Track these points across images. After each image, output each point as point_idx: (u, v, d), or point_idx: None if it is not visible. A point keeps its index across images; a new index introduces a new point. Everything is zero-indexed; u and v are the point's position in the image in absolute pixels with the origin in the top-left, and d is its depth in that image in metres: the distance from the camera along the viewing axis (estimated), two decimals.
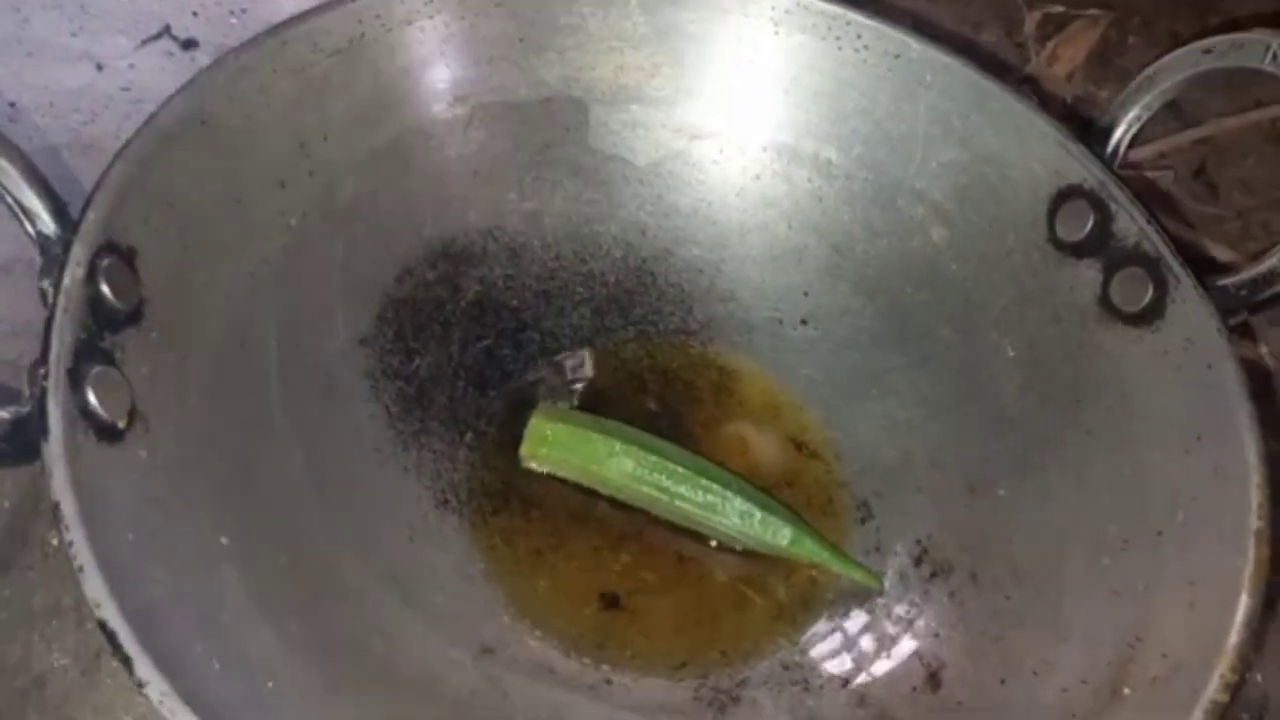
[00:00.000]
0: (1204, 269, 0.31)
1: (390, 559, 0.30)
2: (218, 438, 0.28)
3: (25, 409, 0.22)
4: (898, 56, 0.36)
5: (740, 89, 0.38)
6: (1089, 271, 0.33)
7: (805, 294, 0.38)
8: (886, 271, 0.37)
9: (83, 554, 0.20)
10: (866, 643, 0.30)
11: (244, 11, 0.52)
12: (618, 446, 0.33)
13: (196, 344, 0.28)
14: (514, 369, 0.36)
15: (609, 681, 0.29)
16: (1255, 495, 0.26)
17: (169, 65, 0.48)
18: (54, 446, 0.22)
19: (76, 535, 0.20)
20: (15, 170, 0.24)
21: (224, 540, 0.26)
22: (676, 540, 0.33)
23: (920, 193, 0.36)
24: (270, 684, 0.23)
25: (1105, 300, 0.32)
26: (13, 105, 0.46)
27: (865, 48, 0.36)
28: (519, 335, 0.37)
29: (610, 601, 0.31)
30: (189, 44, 0.50)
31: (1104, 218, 0.32)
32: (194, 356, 0.28)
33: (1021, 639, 0.29)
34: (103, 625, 0.20)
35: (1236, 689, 0.23)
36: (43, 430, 0.22)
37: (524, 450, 0.33)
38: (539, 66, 0.37)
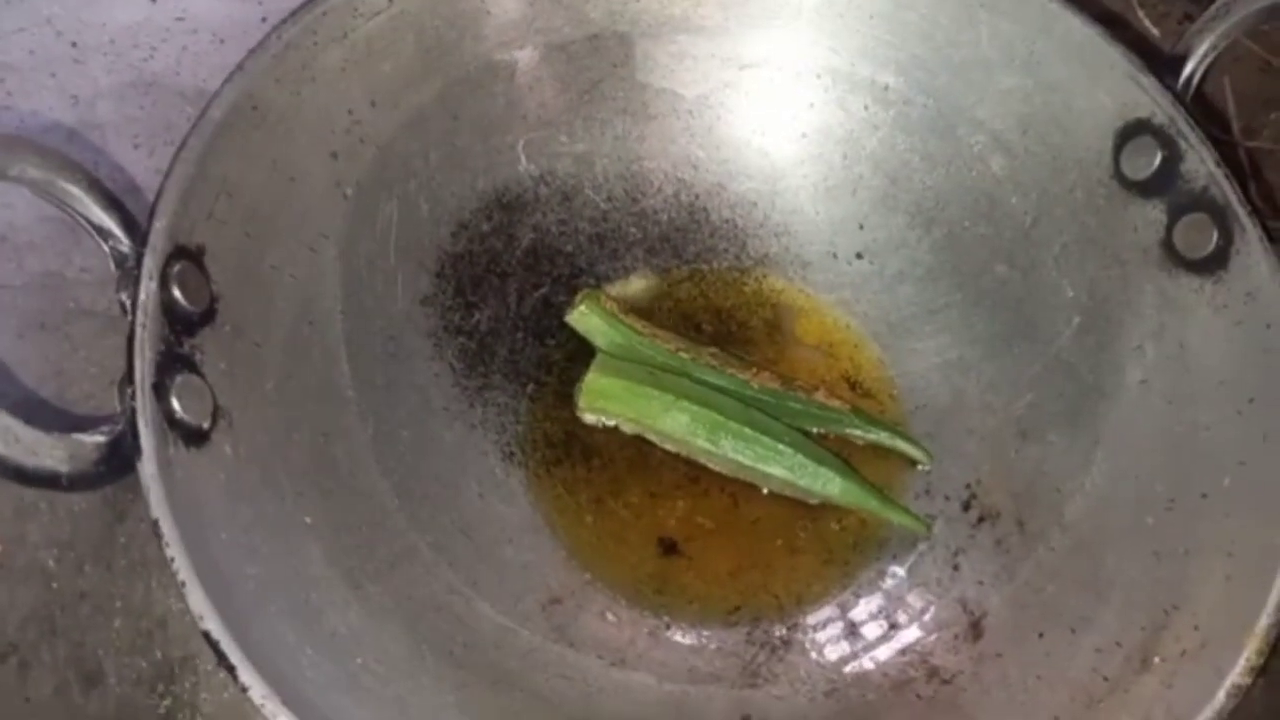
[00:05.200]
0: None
1: (462, 516, 0.32)
2: (295, 419, 0.30)
3: (119, 427, 0.24)
4: None
5: (791, 14, 0.36)
6: (1153, 213, 0.32)
7: (860, 227, 0.38)
8: (944, 203, 0.36)
9: (184, 570, 0.23)
10: (913, 588, 0.32)
11: None
12: (672, 400, 0.34)
13: (267, 330, 0.30)
14: None
15: (668, 626, 0.32)
16: None
17: None
18: (148, 465, 0.24)
19: (177, 551, 0.23)
20: (84, 192, 0.25)
21: (307, 520, 0.28)
22: (731, 484, 0.34)
23: (981, 121, 0.35)
24: (359, 659, 0.26)
25: (1168, 244, 0.31)
26: (74, 45, 0.47)
27: None
28: (574, 281, 0.37)
29: (668, 547, 0.33)
30: None
31: (1172, 156, 0.31)
32: (266, 343, 0.30)
33: (1062, 592, 0.30)
34: (206, 636, 0.22)
35: (1260, 673, 0.23)
36: (136, 450, 0.24)
37: (580, 403, 0.34)
38: (583, 4, 0.36)
